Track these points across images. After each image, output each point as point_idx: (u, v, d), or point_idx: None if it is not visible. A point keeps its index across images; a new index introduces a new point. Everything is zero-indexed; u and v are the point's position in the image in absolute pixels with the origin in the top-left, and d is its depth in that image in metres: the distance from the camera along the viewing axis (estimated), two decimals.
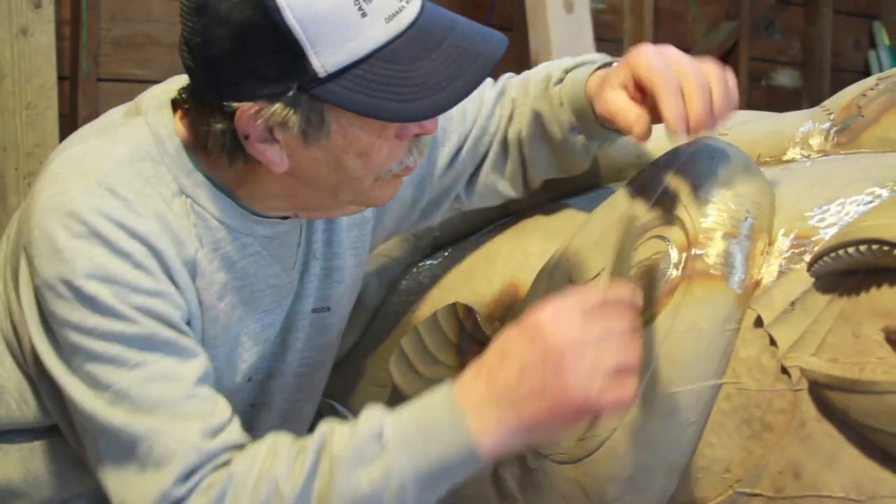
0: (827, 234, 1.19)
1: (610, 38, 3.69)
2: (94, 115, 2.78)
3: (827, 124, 1.40)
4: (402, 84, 1.10)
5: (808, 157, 1.40)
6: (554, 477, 1.33)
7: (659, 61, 1.22)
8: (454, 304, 1.57)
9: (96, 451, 1.15)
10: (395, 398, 1.39)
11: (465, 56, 1.13)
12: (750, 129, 1.51)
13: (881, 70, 4.28)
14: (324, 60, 1.08)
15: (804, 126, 1.44)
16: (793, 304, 1.16)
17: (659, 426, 1.23)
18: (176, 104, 1.24)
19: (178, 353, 1.15)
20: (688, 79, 1.21)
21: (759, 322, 1.18)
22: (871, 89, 1.39)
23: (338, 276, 1.41)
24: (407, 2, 1.12)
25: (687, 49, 3.82)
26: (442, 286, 1.65)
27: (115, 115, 1.29)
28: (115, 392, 1.12)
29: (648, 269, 1.25)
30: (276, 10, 1.06)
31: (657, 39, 3.74)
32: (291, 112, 1.12)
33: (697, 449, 1.22)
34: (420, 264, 1.69)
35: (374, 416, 1.10)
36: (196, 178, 1.22)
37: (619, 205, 1.37)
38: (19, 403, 1.29)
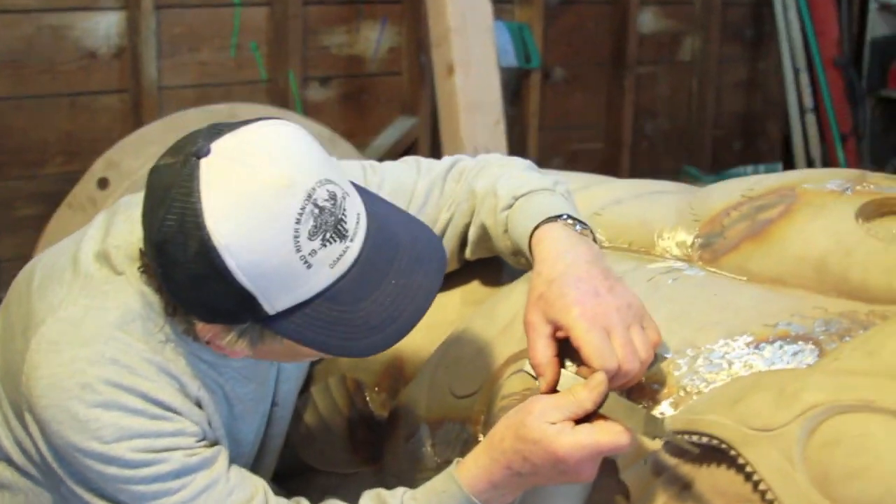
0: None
1: None
2: None
3: (692, 236, 1.47)
4: (345, 323, 1.20)
5: (674, 258, 1.48)
6: None
7: (600, 342, 1.24)
8: (344, 377, 1.65)
9: None
10: None
11: (405, 294, 1.23)
12: (622, 212, 1.57)
13: None
14: (273, 304, 1.18)
15: (671, 224, 1.51)
16: (645, 460, 1.26)
17: None
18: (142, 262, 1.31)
19: (208, 465, 1.31)
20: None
21: (613, 467, 1.29)
22: (735, 209, 1.47)
23: (283, 376, 1.53)
24: (351, 240, 1.20)
25: None
26: None
27: (87, 264, 1.33)
28: None
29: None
30: (227, 271, 1.15)
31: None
32: (247, 337, 1.24)
33: None
34: None
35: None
36: (177, 327, 1.32)
37: (501, 318, 1.45)
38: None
